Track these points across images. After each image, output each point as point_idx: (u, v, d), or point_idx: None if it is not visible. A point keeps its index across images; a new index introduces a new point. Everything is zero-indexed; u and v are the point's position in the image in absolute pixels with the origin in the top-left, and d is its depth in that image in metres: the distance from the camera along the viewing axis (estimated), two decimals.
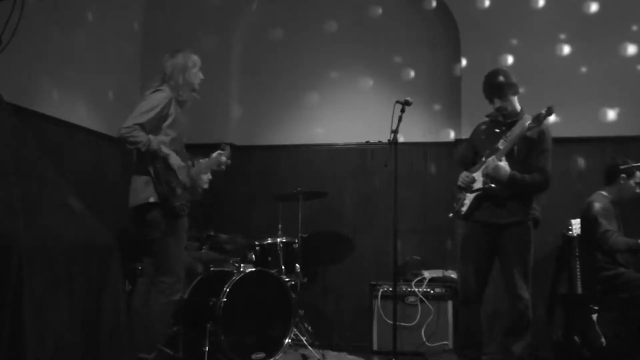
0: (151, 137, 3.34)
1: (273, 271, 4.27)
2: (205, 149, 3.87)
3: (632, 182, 4.26)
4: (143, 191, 3.35)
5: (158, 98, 3.43)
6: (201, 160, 3.69)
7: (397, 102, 3.88)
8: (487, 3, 5.14)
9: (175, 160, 3.43)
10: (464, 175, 3.80)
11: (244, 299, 4.00)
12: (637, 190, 4.27)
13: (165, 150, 3.39)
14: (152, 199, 3.33)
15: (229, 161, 3.78)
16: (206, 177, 3.91)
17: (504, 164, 3.55)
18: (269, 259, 4.46)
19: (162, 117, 3.42)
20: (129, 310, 3.45)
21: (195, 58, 3.64)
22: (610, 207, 4.21)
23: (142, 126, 3.31)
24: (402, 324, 4.54)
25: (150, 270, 3.58)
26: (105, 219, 2.69)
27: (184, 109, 3.63)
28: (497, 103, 3.73)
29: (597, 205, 4.15)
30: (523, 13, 5.08)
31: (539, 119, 3.48)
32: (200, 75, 3.67)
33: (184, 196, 3.44)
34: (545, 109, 3.46)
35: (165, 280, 3.44)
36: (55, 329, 1.93)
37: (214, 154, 3.72)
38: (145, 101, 3.42)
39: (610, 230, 4.07)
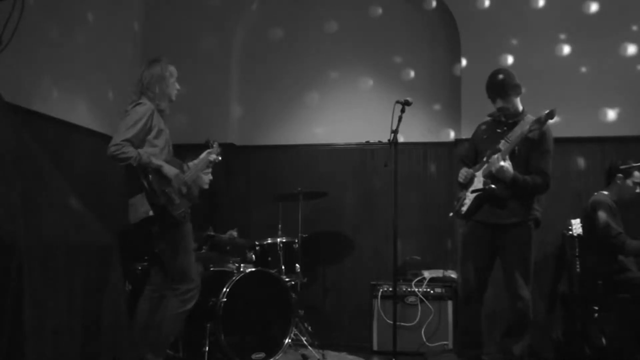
0: (140, 151, 3.34)
1: (273, 271, 4.27)
2: (204, 149, 3.86)
3: (629, 182, 4.25)
4: (142, 205, 3.34)
5: (140, 111, 3.42)
6: (190, 164, 3.68)
7: (397, 102, 3.88)
8: (487, 3, 5.14)
9: (169, 169, 3.42)
10: (463, 170, 3.81)
11: (244, 299, 4.00)
12: (637, 190, 4.27)
13: (157, 161, 3.39)
14: (151, 212, 3.33)
15: (219, 157, 3.77)
16: (207, 177, 3.91)
17: (507, 165, 3.54)
18: (269, 259, 4.46)
19: (146, 129, 3.41)
20: (135, 316, 3.47)
21: (172, 69, 3.62)
22: (615, 208, 4.21)
23: (129, 141, 3.30)
24: (402, 324, 4.54)
25: (158, 279, 3.59)
26: (105, 219, 2.69)
27: (165, 118, 3.61)
28: (500, 103, 3.73)
29: (602, 214, 4.13)
30: (523, 13, 5.08)
31: (540, 122, 3.47)
32: (177, 86, 3.66)
33: (183, 204, 3.44)
34: (547, 112, 3.45)
35: (180, 287, 3.45)
36: (55, 328, 1.93)
37: (203, 154, 3.72)
38: (128, 116, 3.41)
39: (623, 233, 4.09)
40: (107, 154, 3.31)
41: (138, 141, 3.37)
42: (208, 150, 3.73)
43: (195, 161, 3.70)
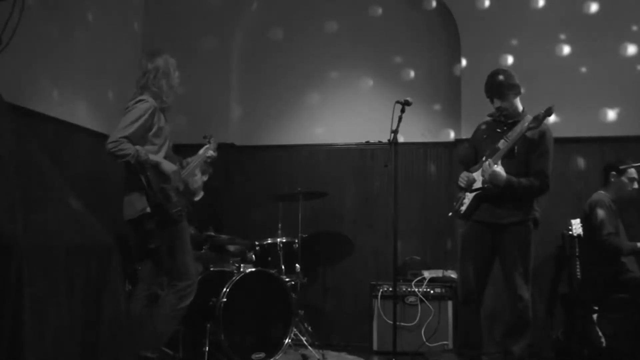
0: (139, 147, 3.32)
1: (273, 271, 4.27)
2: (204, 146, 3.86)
3: (624, 179, 4.25)
4: (138, 202, 3.34)
5: (142, 108, 3.40)
6: (189, 159, 3.68)
7: (397, 102, 3.87)
8: (487, 3, 5.14)
9: (167, 165, 3.42)
10: (464, 175, 3.80)
11: (244, 299, 4.01)
12: (634, 187, 4.27)
13: (155, 157, 3.38)
14: (148, 209, 3.32)
15: (215, 153, 3.76)
16: (199, 178, 3.89)
17: (499, 170, 3.54)
18: (269, 259, 4.47)
19: (147, 127, 3.40)
20: (128, 314, 3.45)
21: (173, 61, 3.61)
22: (613, 207, 4.21)
23: (128, 139, 3.29)
24: (402, 324, 4.55)
25: (148, 276, 3.58)
26: (105, 219, 2.68)
27: (168, 115, 3.61)
28: (497, 103, 3.73)
29: (600, 212, 4.14)
30: (523, 13, 5.08)
31: (538, 119, 3.49)
32: (178, 76, 3.64)
33: (180, 202, 3.43)
34: (544, 110, 3.47)
35: (179, 284, 3.44)
36: (55, 329, 1.93)
37: (200, 151, 3.72)
38: (129, 113, 3.39)
39: (613, 233, 4.09)
40: (105, 150, 3.30)
41: (137, 138, 3.36)
42: (206, 146, 3.73)
43: (194, 157, 3.69)
